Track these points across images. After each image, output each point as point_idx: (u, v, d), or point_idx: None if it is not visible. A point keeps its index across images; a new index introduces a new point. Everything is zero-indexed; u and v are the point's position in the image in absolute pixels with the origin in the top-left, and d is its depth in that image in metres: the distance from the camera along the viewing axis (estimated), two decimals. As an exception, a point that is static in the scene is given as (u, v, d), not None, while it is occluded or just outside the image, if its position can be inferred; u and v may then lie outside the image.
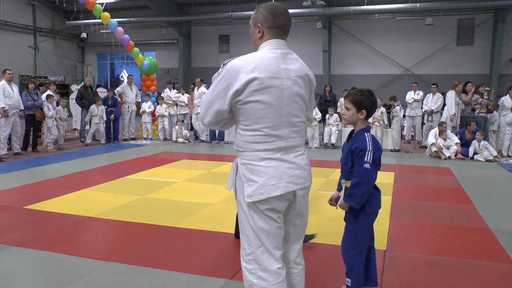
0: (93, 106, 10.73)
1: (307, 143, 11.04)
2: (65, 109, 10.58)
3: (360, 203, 2.56)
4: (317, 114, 10.74)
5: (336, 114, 10.81)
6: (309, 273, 3.21)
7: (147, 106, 11.86)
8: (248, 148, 2.03)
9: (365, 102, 2.59)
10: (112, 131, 11.39)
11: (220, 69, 2.03)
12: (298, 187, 2.08)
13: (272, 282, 2.05)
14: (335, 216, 4.67)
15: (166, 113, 11.71)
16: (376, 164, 2.57)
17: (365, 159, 2.51)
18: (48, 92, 10.31)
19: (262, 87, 1.95)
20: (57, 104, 10.14)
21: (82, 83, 12.35)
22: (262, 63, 1.97)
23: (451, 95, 10.12)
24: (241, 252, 2.14)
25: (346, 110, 2.66)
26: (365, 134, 2.59)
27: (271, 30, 2.06)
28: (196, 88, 11.69)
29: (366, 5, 18.24)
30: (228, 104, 1.98)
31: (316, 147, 10.62)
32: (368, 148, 2.52)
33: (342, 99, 12.10)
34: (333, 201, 2.77)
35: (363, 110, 2.59)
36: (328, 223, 4.42)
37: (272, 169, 2.02)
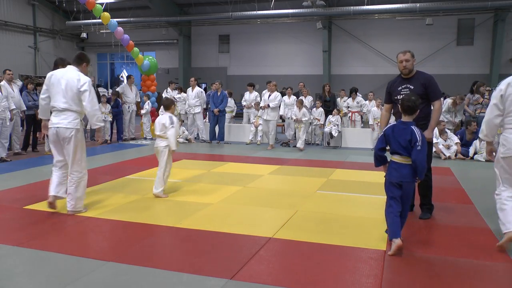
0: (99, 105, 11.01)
1: (316, 143, 11.03)
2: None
3: None
4: (320, 114, 10.74)
5: (338, 115, 10.79)
6: (309, 273, 3.21)
7: (146, 107, 11.91)
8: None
9: None
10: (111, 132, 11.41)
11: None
12: None
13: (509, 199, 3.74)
14: (335, 216, 4.68)
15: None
16: None
17: None
18: None
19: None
20: None
21: (82, 83, 12.30)
22: None
23: (446, 104, 9.95)
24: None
25: None
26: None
27: None
28: (191, 88, 11.67)
29: (366, 5, 18.24)
30: None
31: (300, 147, 10.03)
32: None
33: (339, 99, 12.06)
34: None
35: None
36: (328, 223, 4.42)
37: None
